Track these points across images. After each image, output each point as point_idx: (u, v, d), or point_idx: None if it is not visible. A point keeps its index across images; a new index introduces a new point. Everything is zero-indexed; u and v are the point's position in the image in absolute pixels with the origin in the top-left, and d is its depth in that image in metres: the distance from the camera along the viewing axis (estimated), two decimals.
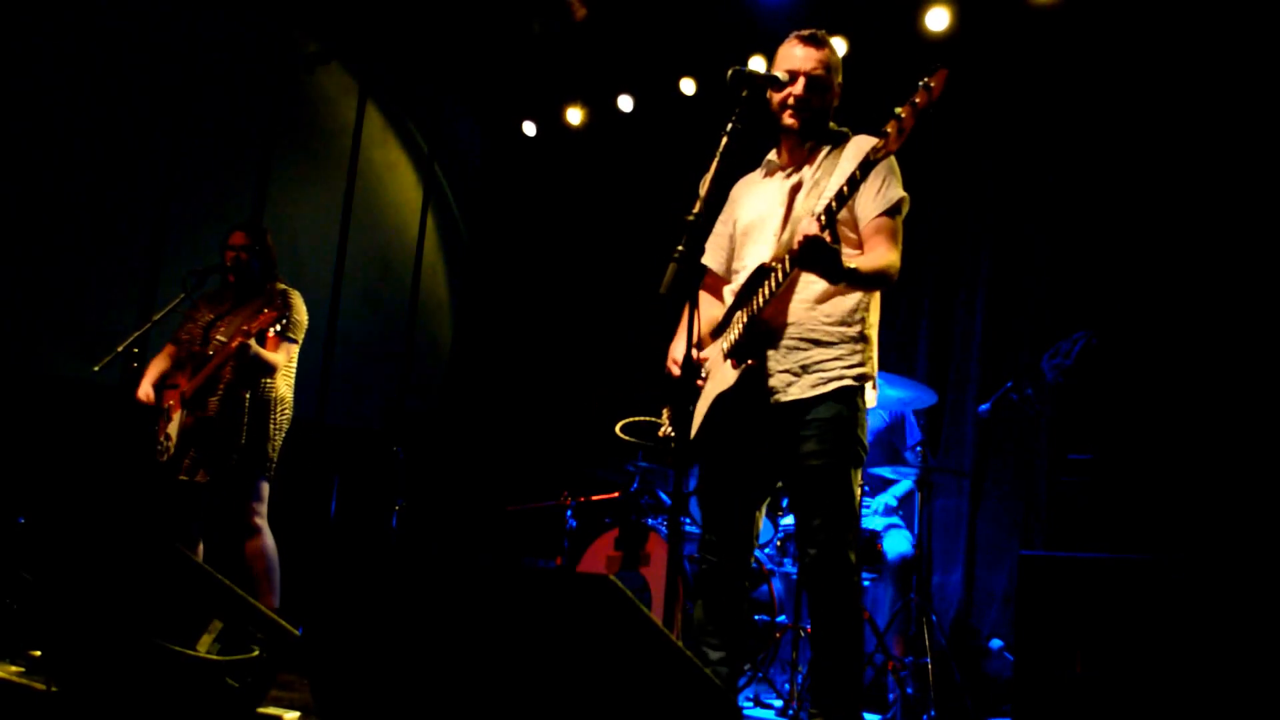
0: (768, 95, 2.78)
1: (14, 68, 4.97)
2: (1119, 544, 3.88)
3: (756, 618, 4.39)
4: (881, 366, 2.90)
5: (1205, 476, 3.98)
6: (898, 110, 2.36)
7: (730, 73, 2.61)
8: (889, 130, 2.39)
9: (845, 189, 2.50)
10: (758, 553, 4.63)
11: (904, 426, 4.76)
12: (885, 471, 4.61)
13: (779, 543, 4.52)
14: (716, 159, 2.56)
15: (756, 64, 5.55)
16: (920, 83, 2.33)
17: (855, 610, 2.68)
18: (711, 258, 3.04)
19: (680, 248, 2.47)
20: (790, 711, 3.88)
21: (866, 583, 4.37)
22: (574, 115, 6.75)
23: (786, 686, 4.02)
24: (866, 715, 2.68)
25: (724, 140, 2.56)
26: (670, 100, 6.17)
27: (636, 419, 4.41)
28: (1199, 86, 4.56)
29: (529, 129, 6.97)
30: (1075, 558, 3.82)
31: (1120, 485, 4.07)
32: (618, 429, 4.47)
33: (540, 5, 5.96)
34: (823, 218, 2.50)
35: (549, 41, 6.23)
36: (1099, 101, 4.87)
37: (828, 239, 2.47)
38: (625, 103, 6.41)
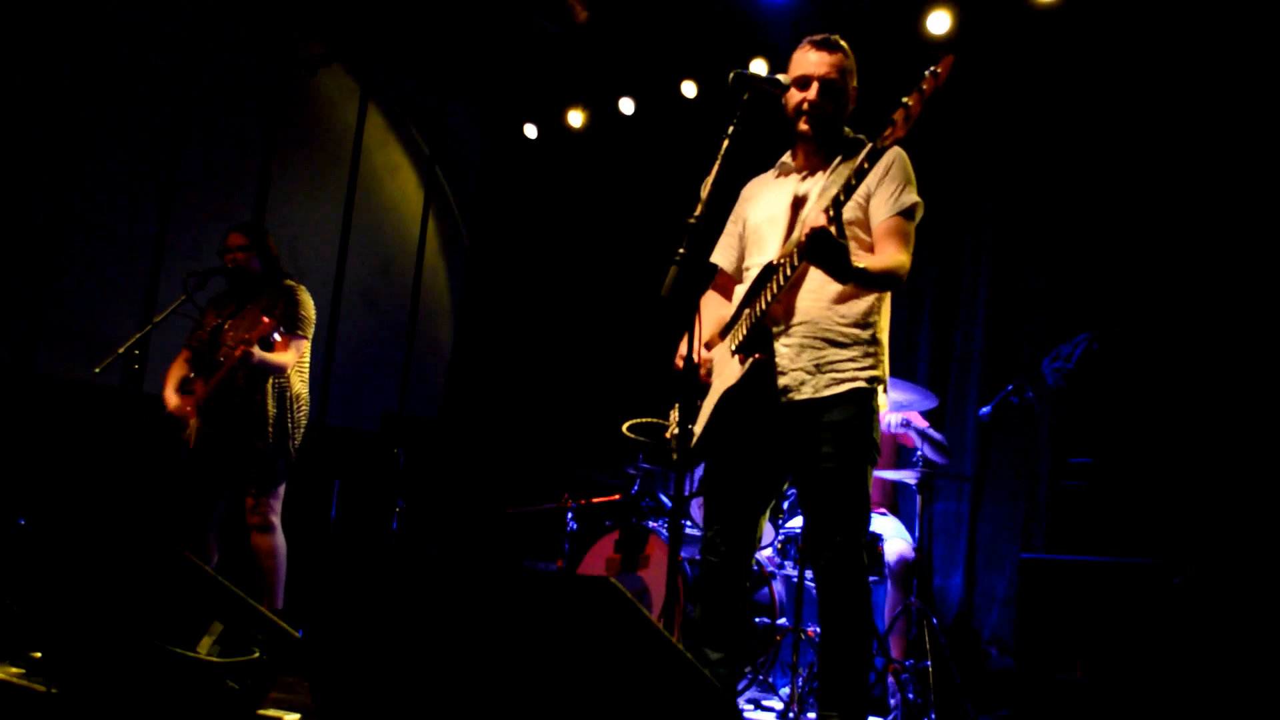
0: (782, 100, 2.78)
1: (15, 68, 4.97)
2: (1119, 547, 3.88)
3: (757, 620, 4.38)
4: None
5: (1205, 480, 3.98)
6: (905, 99, 2.37)
7: (731, 75, 2.62)
8: (896, 118, 2.39)
9: (853, 179, 2.48)
10: (758, 555, 4.63)
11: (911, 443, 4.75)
12: (888, 474, 4.59)
13: (779, 545, 4.51)
14: (718, 161, 2.56)
15: (758, 67, 5.55)
16: (927, 71, 2.34)
17: (865, 610, 2.68)
18: (721, 256, 3.04)
19: (681, 250, 2.47)
20: (790, 715, 3.87)
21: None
22: (575, 118, 6.75)
23: (787, 690, 4.01)
24: (868, 718, 2.66)
25: (725, 143, 2.56)
26: (671, 103, 6.17)
27: (644, 420, 4.41)
28: (1200, 87, 4.56)
29: (530, 131, 6.97)
30: (1076, 561, 3.82)
31: (1121, 489, 4.07)
32: (624, 429, 4.47)
33: (541, 7, 5.96)
34: (830, 210, 2.49)
35: (550, 44, 6.23)
36: (1101, 103, 4.87)
37: (834, 232, 2.46)
38: (626, 105, 6.41)
